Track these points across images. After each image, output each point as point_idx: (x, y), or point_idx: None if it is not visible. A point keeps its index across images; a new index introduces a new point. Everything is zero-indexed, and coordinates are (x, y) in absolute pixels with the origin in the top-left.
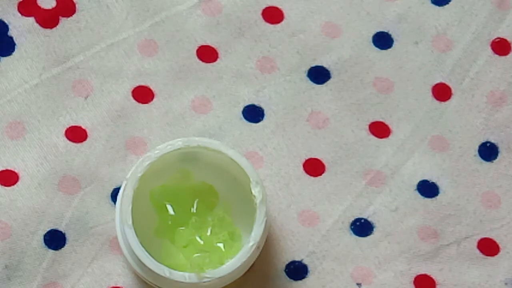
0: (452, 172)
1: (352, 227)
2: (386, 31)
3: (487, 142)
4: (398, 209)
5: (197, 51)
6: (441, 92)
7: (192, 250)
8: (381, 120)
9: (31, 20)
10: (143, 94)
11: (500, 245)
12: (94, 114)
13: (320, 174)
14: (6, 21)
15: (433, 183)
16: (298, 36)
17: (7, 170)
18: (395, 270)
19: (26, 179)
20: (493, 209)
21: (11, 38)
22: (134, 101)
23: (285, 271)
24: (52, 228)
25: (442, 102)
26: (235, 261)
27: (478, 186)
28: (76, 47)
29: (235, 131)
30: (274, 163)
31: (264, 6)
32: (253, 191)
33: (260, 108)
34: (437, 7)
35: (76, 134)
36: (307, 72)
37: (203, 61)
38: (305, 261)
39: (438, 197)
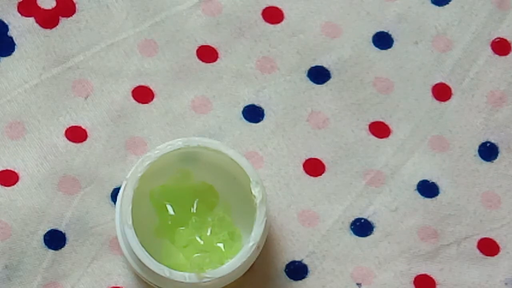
0: (452, 172)
1: (352, 227)
2: (386, 31)
3: (487, 142)
4: (398, 209)
5: (197, 51)
6: (441, 92)
7: (192, 250)
8: (381, 120)
9: (31, 20)
10: (143, 94)
11: (500, 245)
12: (94, 114)
13: (320, 174)
14: (6, 21)
15: (433, 183)
16: (298, 36)
17: (7, 170)
18: (395, 270)
19: (26, 179)
20: (493, 209)
21: (11, 38)
22: (134, 101)
23: (285, 271)
24: (52, 228)
25: (442, 102)
26: (235, 261)
27: (478, 186)
28: (76, 47)
29: (235, 131)
30: (274, 163)
31: (264, 6)
32: (253, 191)
33: (260, 108)
34: (437, 7)
35: (76, 134)
36: (307, 72)
37: (203, 61)
38: (305, 261)
39: (438, 197)
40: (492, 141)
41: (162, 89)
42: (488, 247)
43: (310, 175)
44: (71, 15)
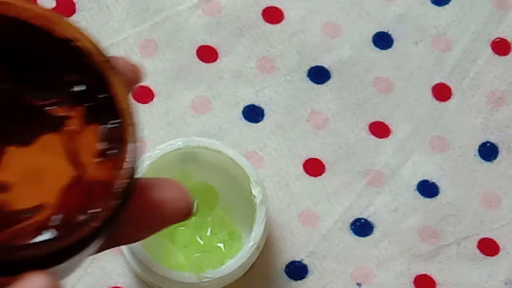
0: (452, 172)
1: (352, 227)
2: (386, 31)
3: (487, 142)
4: (398, 209)
5: (197, 51)
6: (441, 92)
7: (192, 250)
8: (381, 120)
9: None
10: (143, 94)
11: (500, 245)
12: None
13: (320, 174)
14: None
15: (433, 183)
16: (298, 36)
17: None
18: (395, 270)
19: None
20: (493, 209)
21: None
22: (134, 101)
23: (285, 271)
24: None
25: (442, 102)
26: (235, 261)
27: (478, 186)
28: None
29: (235, 131)
30: (274, 163)
31: (264, 6)
32: (253, 191)
33: (260, 108)
34: (437, 7)
35: None
36: (307, 72)
37: (203, 61)
38: (305, 261)
39: (438, 197)
40: (492, 141)
41: (162, 89)
42: (488, 247)
43: (310, 175)
44: (71, 15)
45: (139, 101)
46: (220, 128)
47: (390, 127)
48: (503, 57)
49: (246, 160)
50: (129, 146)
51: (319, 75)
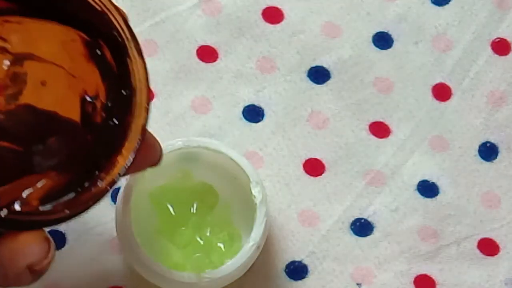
0: (452, 172)
1: (352, 227)
2: (386, 31)
3: (487, 142)
4: (398, 209)
5: (197, 51)
6: (441, 92)
7: (192, 250)
8: (381, 120)
9: None
10: None
11: (500, 245)
12: None
13: (320, 174)
14: None
15: (433, 183)
16: (298, 36)
17: None
18: (395, 270)
19: None
20: (493, 209)
21: None
22: None
23: (285, 271)
24: (52, 228)
25: (442, 102)
26: (235, 261)
27: (478, 186)
28: None
29: (235, 131)
30: (274, 163)
31: (264, 6)
32: (253, 191)
33: (260, 108)
34: (437, 7)
35: None
36: (307, 72)
37: (203, 61)
38: (305, 261)
39: (438, 197)
40: (492, 141)
41: (162, 89)
42: (488, 247)
43: (310, 175)
44: None
45: None
46: (220, 128)
47: (390, 127)
48: (503, 57)
49: (246, 160)
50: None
51: (319, 75)
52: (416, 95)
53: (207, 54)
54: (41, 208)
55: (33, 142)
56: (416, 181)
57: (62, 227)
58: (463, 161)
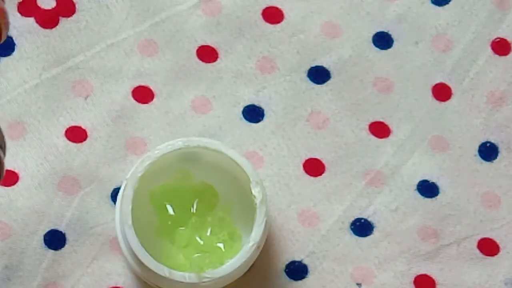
0: (452, 172)
1: (352, 227)
2: (386, 31)
3: (487, 142)
4: (398, 209)
5: (197, 51)
6: (441, 92)
7: (192, 250)
8: (381, 120)
9: (31, 20)
10: (143, 94)
11: (500, 245)
12: (94, 114)
13: (320, 174)
14: None
15: (433, 183)
16: (298, 36)
17: (7, 170)
18: (395, 270)
19: (26, 179)
20: (493, 209)
21: (11, 38)
22: (134, 101)
23: (285, 271)
24: (52, 228)
25: (442, 102)
26: (235, 261)
27: (478, 186)
28: (76, 47)
29: (235, 131)
30: (274, 163)
31: (264, 6)
32: (253, 191)
33: (260, 108)
34: (437, 7)
35: (76, 134)
36: (307, 72)
37: (203, 61)
38: (305, 261)
39: (438, 197)
40: (492, 141)
41: (162, 89)
42: (488, 247)
43: (310, 175)
44: (71, 15)
45: (139, 101)
46: (220, 128)
47: (390, 127)
48: (503, 57)
49: (246, 160)
50: None
51: (319, 75)
52: (416, 95)
53: (207, 54)
54: None
55: None
56: (416, 181)
57: (62, 227)
58: (463, 161)
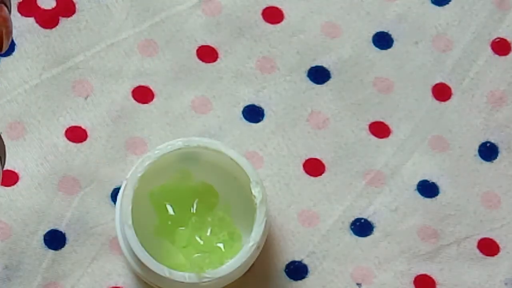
0: (452, 172)
1: (352, 227)
2: (386, 31)
3: (487, 142)
4: (398, 209)
5: (197, 51)
6: (441, 92)
7: (192, 250)
8: (381, 120)
9: (31, 20)
10: (143, 94)
11: (500, 245)
12: (94, 114)
13: (320, 174)
14: None
15: (433, 183)
16: (298, 36)
17: (7, 170)
18: (395, 270)
19: (26, 179)
20: (493, 209)
21: (11, 38)
22: (134, 101)
23: (285, 271)
24: (52, 228)
25: (442, 102)
26: (235, 261)
27: (478, 186)
28: (76, 47)
29: (235, 131)
30: (274, 163)
31: (264, 6)
32: (253, 191)
33: (260, 108)
34: (437, 7)
35: (76, 134)
36: (307, 72)
37: (203, 61)
38: (305, 261)
39: (438, 197)
40: (492, 141)
41: (162, 89)
42: (488, 247)
43: (310, 175)
44: (71, 15)
45: (139, 101)
46: (220, 128)
47: (390, 127)
48: (503, 57)
49: (246, 160)
50: None
51: (319, 75)
52: (416, 95)
53: (207, 54)
54: None
55: None
56: (416, 181)
57: (62, 227)
58: (463, 161)
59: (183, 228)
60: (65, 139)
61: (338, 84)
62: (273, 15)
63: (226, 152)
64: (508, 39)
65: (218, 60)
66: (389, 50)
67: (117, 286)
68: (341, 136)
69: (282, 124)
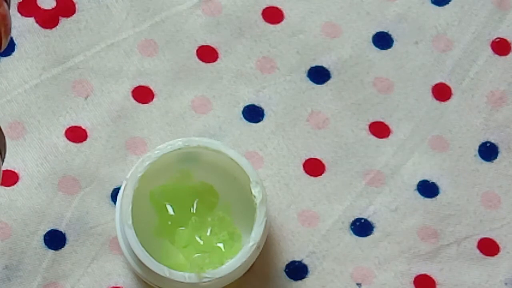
0: (452, 172)
1: (352, 227)
2: (386, 31)
3: (487, 142)
4: (398, 209)
5: (197, 51)
6: (441, 92)
7: (192, 250)
8: (381, 120)
9: (31, 20)
10: (143, 94)
11: (500, 245)
12: (94, 114)
13: (320, 174)
14: None
15: (433, 183)
16: (298, 36)
17: (7, 170)
18: (395, 270)
19: (26, 179)
20: (493, 209)
21: (11, 38)
22: (134, 101)
23: (285, 271)
24: (52, 228)
25: (442, 102)
26: (235, 261)
27: (478, 186)
28: (76, 47)
29: (235, 131)
30: (274, 163)
31: (264, 6)
32: (253, 191)
33: (260, 108)
34: (437, 7)
35: (76, 134)
36: (307, 72)
37: (203, 61)
38: (305, 261)
39: (438, 197)
40: (492, 141)
41: (162, 89)
42: (488, 247)
43: (310, 175)
44: (71, 15)
45: (139, 101)
46: (220, 128)
47: (390, 127)
48: (503, 57)
49: (246, 160)
50: None
51: (319, 75)
52: (416, 95)
53: (207, 54)
54: None
55: None
56: (416, 181)
57: (62, 227)
58: (463, 161)
59: (183, 228)
60: (65, 139)
61: (338, 84)
62: (273, 15)
63: (226, 152)
64: (508, 39)
65: (218, 60)
66: (389, 50)
67: (117, 286)
68: (341, 136)
69: (282, 124)
